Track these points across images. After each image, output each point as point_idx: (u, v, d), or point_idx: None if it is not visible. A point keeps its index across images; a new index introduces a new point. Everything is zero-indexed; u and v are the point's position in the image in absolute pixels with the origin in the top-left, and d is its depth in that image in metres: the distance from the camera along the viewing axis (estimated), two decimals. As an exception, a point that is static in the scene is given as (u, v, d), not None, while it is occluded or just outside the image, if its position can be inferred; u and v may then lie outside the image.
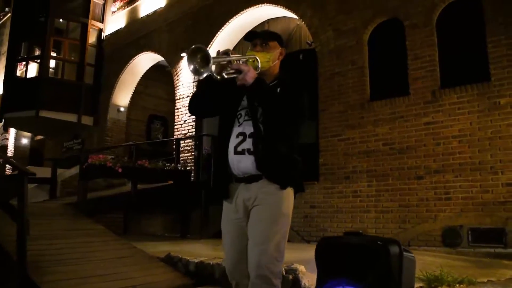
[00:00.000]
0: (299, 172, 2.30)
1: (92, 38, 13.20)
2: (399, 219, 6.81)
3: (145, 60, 12.56)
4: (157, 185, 8.31)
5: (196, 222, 8.47)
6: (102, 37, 13.38)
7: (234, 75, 2.16)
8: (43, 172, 9.33)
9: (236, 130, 2.29)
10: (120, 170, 6.96)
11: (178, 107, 10.92)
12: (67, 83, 12.81)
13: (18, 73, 13.43)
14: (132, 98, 13.30)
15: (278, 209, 2.18)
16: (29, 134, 16.43)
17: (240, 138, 2.26)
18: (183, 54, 10.64)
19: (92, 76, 13.07)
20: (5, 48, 15.43)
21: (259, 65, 2.27)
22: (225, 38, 10.19)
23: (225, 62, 2.14)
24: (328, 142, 7.81)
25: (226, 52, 2.19)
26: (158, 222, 9.66)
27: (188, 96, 10.64)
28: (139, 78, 13.10)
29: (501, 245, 5.83)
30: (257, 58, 2.28)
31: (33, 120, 12.05)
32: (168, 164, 7.91)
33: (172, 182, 8.33)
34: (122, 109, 13.05)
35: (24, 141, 16.76)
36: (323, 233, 7.52)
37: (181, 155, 9.75)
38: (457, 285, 4.22)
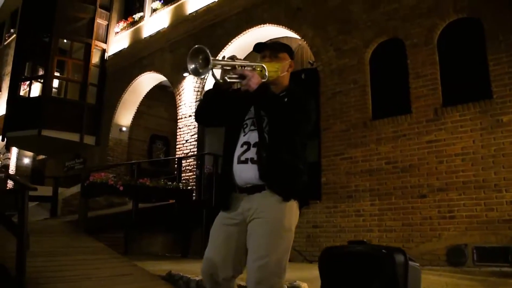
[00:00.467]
0: (304, 183, 2.22)
1: (95, 58, 13.32)
2: (403, 238, 6.72)
3: (148, 80, 12.64)
4: (158, 203, 8.26)
5: (197, 242, 8.37)
6: (105, 57, 13.51)
7: (237, 80, 2.13)
8: (44, 190, 9.27)
9: (241, 139, 2.25)
10: (121, 188, 6.92)
11: (180, 126, 10.93)
12: (69, 102, 12.88)
13: (22, 93, 13.51)
14: (134, 118, 13.34)
15: (280, 222, 2.10)
16: (31, 153, 16.44)
17: (245, 147, 2.22)
18: (185, 74, 10.72)
19: (95, 96, 13.15)
20: (9, 68, 15.57)
21: (267, 74, 2.23)
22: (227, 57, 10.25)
23: (229, 67, 2.11)
24: (330, 161, 7.77)
25: (231, 58, 2.18)
26: (159, 242, 9.56)
27: (190, 116, 10.67)
28: (142, 98, 13.17)
29: (507, 264, 5.74)
30: (265, 67, 2.24)
31: (35, 139, 12.07)
32: (170, 183, 7.88)
33: (174, 201, 8.27)
34: (124, 128, 13.08)
35: (26, 160, 16.77)
36: (325, 253, 7.42)
37: (182, 175, 9.72)
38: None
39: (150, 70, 12.12)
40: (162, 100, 13.70)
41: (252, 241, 2.11)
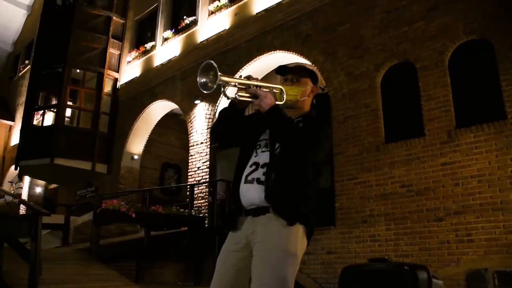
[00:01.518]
0: (311, 210, 2.13)
1: (107, 87, 13.50)
2: (420, 263, 6.55)
3: (159, 108, 12.74)
4: (171, 231, 8.19)
5: (210, 270, 8.22)
6: (117, 86, 13.68)
7: (250, 100, 2.09)
8: (56, 219, 9.27)
9: (252, 160, 2.22)
10: (133, 215, 6.88)
11: (192, 153, 10.93)
12: (82, 131, 13.00)
13: (35, 122, 13.69)
14: (146, 146, 13.39)
15: (284, 248, 2.02)
16: (43, 183, 16.52)
17: (253, 167, 2.18)
18: (197, 101, 10.79)
19: (107, 124, 13.26)
20: (23, 98, 15.83)
21: (284, 97, 2.18)
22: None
23: (243, 86, 2.07)
24: (343, 185, 7.68)
25: (248, 77, 2.15)
26: (171, 270, 9.42)
27: (202, 143, 10.69)
28: (153, 126, 13.24)
29: (529, 289, 5.56)
30: (283, 90, 2.20)
31: (47, 167, 12.14)
32: (182, 210, 7.82)
33: (186, 228, 8.20)
34: (136, 156, 13.12)
35: (38, 189, 16.84)
36: (341, 280, 7.26)
37: (195, 202, 9.66)
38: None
39: (161, 98, 12.23)
40: (173, 128, 13.79)
41: (256, 267, 2.03)
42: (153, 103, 12.48)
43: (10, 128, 18.60)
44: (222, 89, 2.04)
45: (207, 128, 10.65)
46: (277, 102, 2.14)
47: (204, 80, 2.02)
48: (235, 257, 2.15)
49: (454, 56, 6.89)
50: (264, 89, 2.15)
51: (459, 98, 6.73)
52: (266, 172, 2.11)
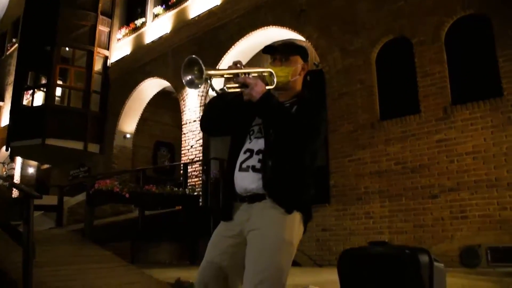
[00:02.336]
0: (308, 197, 2.08)
1: (98, 66, 13.28)
2: (414, 240, 6.59)
3: (151, 86, 12.57)
4: (165, 210, 8.16)
5: (205, 249, 8.25)
6: (107, 64, 13.46)
7: (239, 90, 1.97)
8: (49, 200, 9.20)
9: (245, 146, 2.13)
10: (127, 195, 6.82)
11: (184, 132, 10.84)
12: (73, 110, 12.83)
13: (25, 102, 13.47)
14: (138, 124, 13.27)
15: (280, 236, 1.95)
16: (35, 163, 16.39)
17: (247, 154, 2.09)
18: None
19: (98, 104, 13.09)
20: (12, 78, 15.56)
21: (275, 80, 2.08)
22: (232, 61, 10.17)
23: (230, 75, 1.97)
24: (338, 163, 7.66)
25: (235, 64, 2.04)
26: (166, 250, 9.46)
27: (195, 121, 10.59)
28: (145, 104, 13.09)
29: (523, 264, 5.60)
30: (273, 72, 2.09)
31: (39, 148, 12.01)
32: (176, 189, 7.77)
33: (180, 207, 8.17)
34: (128, 135, 13.01)
35: (30, 170, 16.72)
36: (335, 256, 7.29)
37: (188, 181, 9.61)
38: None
39: (153, 76, 12.05)
40: (166, 106, 13.61)
41: (250, 255, 1.96)
42: (145, 81, 12.30)
43: (0, 108, 18.35)
44: (209, 82, 1.92)
45: (200, 106, 10.54)
46: (268, 87, 2.04)
47: (190, 77, 1.90)
48: (227, 242, 2.08)
49: (450, 31, 6.79)
50: (253, 75, 2.05)
51: (455, 74, 6.66)
52: (262, 159, 2.03)
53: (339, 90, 7.88)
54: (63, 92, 13.57)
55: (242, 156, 2.11)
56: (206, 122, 2.27)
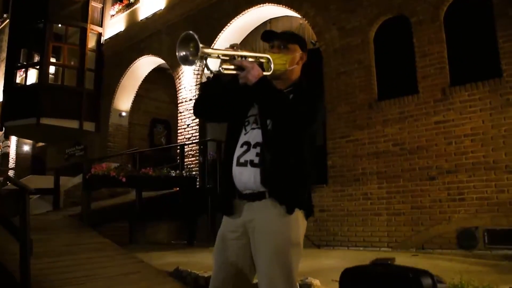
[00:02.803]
0: (309, 190, 2.05)
1: (91, 43, 13.04)
2: (412, 222, 6.63)
3: (146, 64, 12.39)
4: (162, 192, 8.15)
5: (203, 228, 8.31)
6: (101, 41, 13.22)
7: (235, 72, 1.89)
8: (46, 180, 9.20)
9: (242, 138, 2.06)
10: (124, 179, 6.79)
11: (181, 110, 10.75)
12: (67, 89, 12.65)
13: (18, 80, 13.27)
14: (134, 102, 13.13)
15: (286, 238, 1.93)
16: (30, 141, 16.28)
17: (245, 147, 2.03)
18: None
19: (93, 81, 12.91)
20: (4, 54, 15.29)
21: (272, 66, 2.01)
22: (227, 39, 10.01)
23: (227, 57, 1.88)
24: (336, 143, 7.63)
25: (232, 47, 1.96)
26: (164, 229, 9.50)
27: (191, 100, 10.49)
28: (140, 82, 12.93)
29: (519, 247, 5.64)
30: (271, 59, 2.02)
31: (34, 127, 11.90)
32: (173, 171, 7.74)
33: (178, 189, 8.17)
34: (124, 113, 12.90)
35: (26, 148, 16.62)
36: (333, 237, 7.36)
37: (185, 160, 9.59)
38: (478, 293, 4.04)
39: (147, 54, 11.86)
40: (162, 83, 13.45)
41: (258, 259, 1.96)
42: (139, 58, 12.11)
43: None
44: (204, 61, 1.84)
45: (196, 85, 10.41)
46: (264, 73, 1.97)
47: (184, 53, 1.82)
48: (233, 245, 2.06)
49: (450, 10, 6.65)
50: (250, 59, 1.97)
51: (454, 55, 6.56)
52: (260, 153, 1.98)
53: (337, 69, 7.78)
54: (56, 70, 13.35)
55: (239, 150, 2.05)
56: (199, 107, 2.20)
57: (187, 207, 8.28)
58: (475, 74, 6.29)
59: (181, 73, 10.77)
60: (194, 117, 10.35)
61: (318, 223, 7.56)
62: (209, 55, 1.82)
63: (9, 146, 16.81)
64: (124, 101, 12.93)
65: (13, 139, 16.33)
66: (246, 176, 1.98)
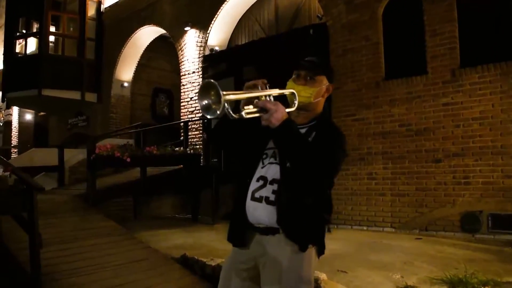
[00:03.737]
0: (323, 229, 2.00)
1: (91, 11, 12.74)
2: (416, 203, 6.65)
3: (148, 33, 12.16)
4: (167, 169, 8.15)
5: (207, 203, 8.35)
6: (101, 10, 12.90)
7: (257, 114, 1.81)
8: (49, 154, 9.16)
9: (259, 172, 2.00)
10: (128, 159, 6.76)
11: (183, 83, 10.61)
12: (68, 59, 12.45)
13: (18, 49, 13.04)
14: (136, 72, 12.98)
15: (297, 276, 1.90)
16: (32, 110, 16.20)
17: (261, 182, 1.97)
18: (187, 28, 10.26)
19: (93, 51, 12.69)
20: (2, 20, 14.97)
21: (296, 102, 1.94)
22: (230, 11, 9.81)
23: (249, 99, 1.81)
24: (341, 122, 7.54)
25: (255, 85, 1.87)
26: (168, 203, 9.56)
27: (193, 72, 10.35)
28: (142, 51, 12.72)
29: (523, 233, 5.68)
30: (295, 93, 1.95)
31: (35, 99, 11.80)
32: (177, 149, 7.71)
33: (182, 166, 8.17)
34: (126, 84, 12.77)
35: (28, 117, 16.55)
36: (337, 215, 7.41)
37: (189, 133, 9.53)
38: (482, 287, 4.08)
39: (149, 23, 11.61)
40: (164, 51, 13.22)
41: None
42: (141, 28, 11.87)
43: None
44: (226, 107, 1.75)
45: (199, 57, 10.24)
46: (288, 110, 1.90)
47: (206, 102, 1.73)
48: (242, 276, 2.04)
49: (463, -12, 6.44)
50: (274, 93, 1.90)
51: (466, 35, 6.39)
52: (277, 191, 1.94)
53: (344, 46, 7.61)
54: (56, 40, 13.09)
55: (254, 184, 2.00)
56: (216, 135, 2.13)
57: (191, 183, 8.31)
58: (487, 56, 6.15)
59: (184, 45, 10.57)
60: (197, 90, 10.23)
61: (322, 201, 7.57)
62: (232, 100, 1.72)
63: (11, 115, 16.74)
64: (125, 71, 12.76)
65: (15, 108, 16.23)
66: (259, 212, 1.94)
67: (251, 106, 1.82)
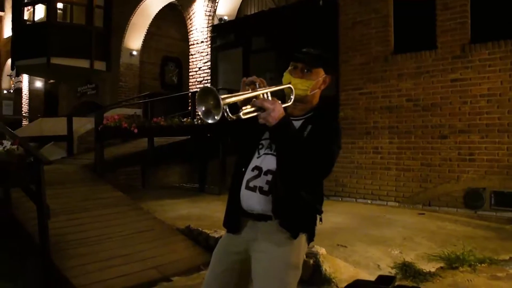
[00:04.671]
0: (315, 221, 2.03)
1: (99, -23, 12.59)
2: (420, 178, 6.69)
3: (157, 1, 12.03)
4: (175, 139, 8.23)
5: (214, 173, 8.44)
6: (110, -24, 12.75)
7: (255, 114, 1.82)
8: (58, 123, 9.29)
9: (254, 162, 2.02)
10: (135, 130, 6.84)
11: (192, 53, 10.57)
12: (76, 27, 12.41)
13: (26, 15, 13.00)
14: (145, 40, 12.91)
15: (287, 261, 1.95)
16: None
17: (255, 172, 2.00)
18: (196, -3, 10.16)
19: (102, 19, 12.61)
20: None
21: (293, 96, 1.95)
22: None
23: (247, 99, 1.85)
24: (348, 95, 7.54)
25: (252, 82, 1.90)
26: (176, 172, 9.70)
27: (202, 42, 10.29)
28: (151, 19, 12.62)
29: (525, 211, 5.71)
30: (292, 88, 1.96)
31: (45, 67, 11.82)
32: (184, 120, 7.74)
33: (189, 137, 8.24)
34: (134, 52, 12.74)
35: (38, 84, 16.62)
36: (342, 188, 7.48)
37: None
38: (478, 264, 4.16)
39: (157, -9, 11.49)
40: (173, 19, 13.10)
41: (257, 279, 1.98)
42: (149, -4, 11.75)
43: (1, 19, 17.78)
44: (224, 110, 1.78)
45: (208, 26, 10.16)
46: (285, 105, 1.92)
47: (205, 107, 1.76)
48: (231, 258, 2.10)
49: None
50: (271, 89, 1.92)
51: (477, 9, 6.26)
52: (271, 181, 1.98)
53: (353, 18, 7.51)
54: (64, 7, 13.00)
55: (249, 173, 2.03)
56: (219, 128, 2.20)
57: (198, 153, 8.39)
58: (498, 32, 6.04)
59: (192, 14, 10.48)
60: (205, 61, 10.22)
61: (328, 174, 7.63)
62: (231, 103, 1.75)
63: (21, 82, 16.82)
64: (134, 39, 12.71)
65: (25, 75, 16.30)
66: (253, 201, 1.98)
67: (248, 106, 1.84)
